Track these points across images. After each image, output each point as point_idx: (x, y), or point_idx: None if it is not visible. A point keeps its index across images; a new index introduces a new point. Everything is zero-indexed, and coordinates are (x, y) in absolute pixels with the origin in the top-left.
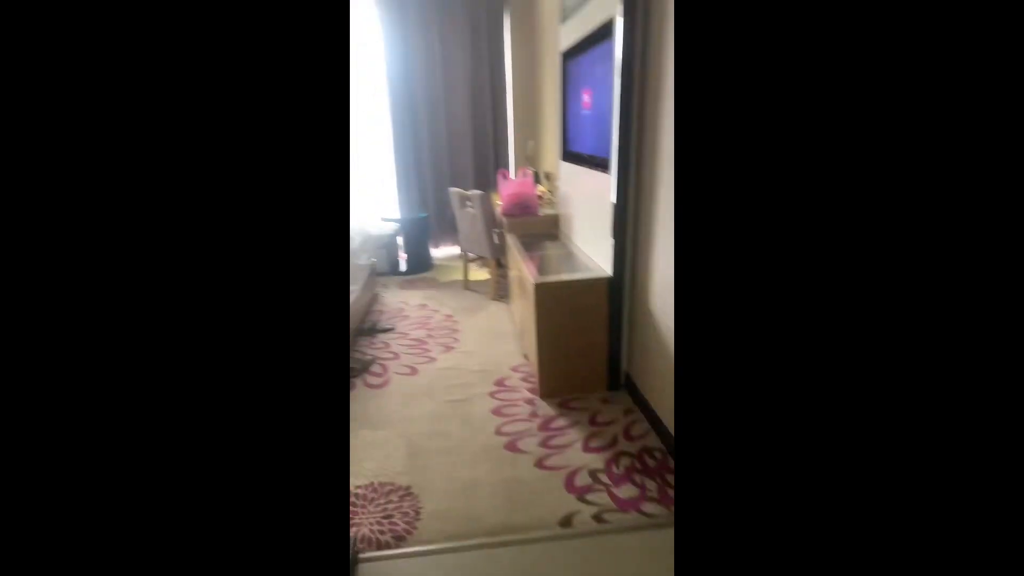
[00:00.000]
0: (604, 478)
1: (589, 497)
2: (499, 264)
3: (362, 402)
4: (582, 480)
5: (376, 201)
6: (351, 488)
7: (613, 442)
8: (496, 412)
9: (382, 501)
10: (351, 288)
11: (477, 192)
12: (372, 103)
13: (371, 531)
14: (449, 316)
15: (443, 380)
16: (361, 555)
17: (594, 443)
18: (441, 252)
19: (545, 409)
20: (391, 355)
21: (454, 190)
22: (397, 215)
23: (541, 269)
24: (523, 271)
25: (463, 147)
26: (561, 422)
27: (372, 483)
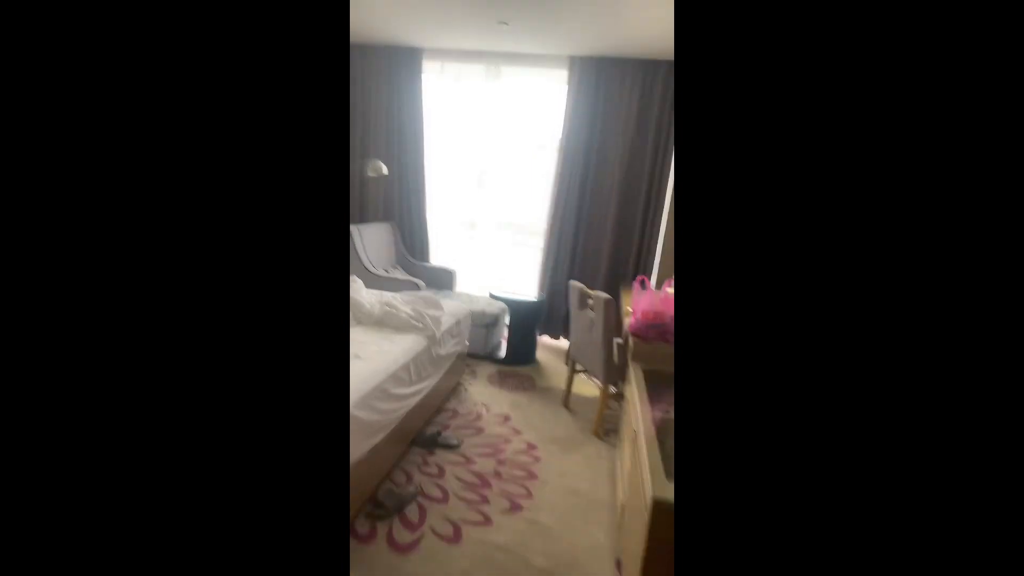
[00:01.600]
0: None
1: None
2: (614, 388)
3: (372, 571)
4: None
5: (496, 274)
6: None
7: None
8: None
9: None
10: (425, 382)
11: (603, 295)
12: (542, 167)
13: None
14: (532, 447)
15: (490, 568)
16: None
17: None
18: (551, 343)
19: None
20: (438, 494)
21: (576, 284)
22: (535, 292)
23: (663, 436)
24: (640, 422)
25: (600, 236)
26: None
27: None
